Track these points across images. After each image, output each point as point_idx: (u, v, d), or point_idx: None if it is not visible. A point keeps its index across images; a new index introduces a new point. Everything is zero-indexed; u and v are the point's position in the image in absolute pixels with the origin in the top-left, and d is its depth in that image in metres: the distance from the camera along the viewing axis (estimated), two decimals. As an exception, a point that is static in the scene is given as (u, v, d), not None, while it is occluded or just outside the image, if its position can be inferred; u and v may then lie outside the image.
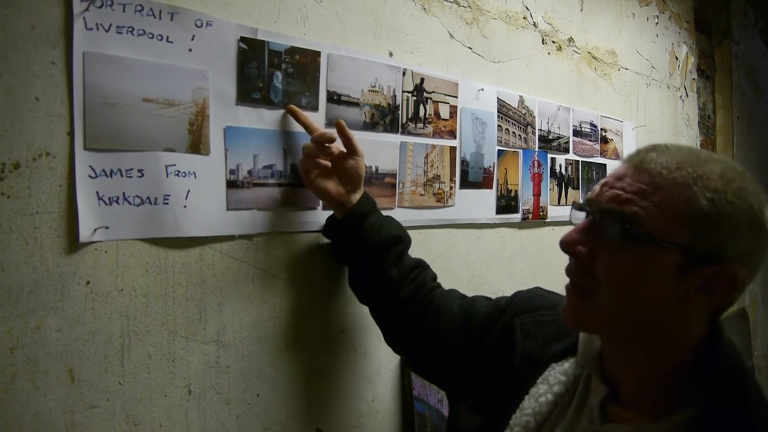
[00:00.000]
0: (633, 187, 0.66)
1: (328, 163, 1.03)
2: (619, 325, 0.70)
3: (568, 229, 0.75)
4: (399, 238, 1.06)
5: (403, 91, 1.25)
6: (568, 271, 0.73)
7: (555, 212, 1.73)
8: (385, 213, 1.21)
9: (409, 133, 1.27)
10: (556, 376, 0.78)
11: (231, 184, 0.98)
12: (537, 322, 0.87)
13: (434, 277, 1.09)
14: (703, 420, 0.65)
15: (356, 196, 1.05)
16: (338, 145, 1.04)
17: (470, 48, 1.45)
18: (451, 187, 1.38)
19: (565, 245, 0.71)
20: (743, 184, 0.65)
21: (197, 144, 0.93)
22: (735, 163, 0.69)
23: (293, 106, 1.03)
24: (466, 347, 0.94)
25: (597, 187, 0.71)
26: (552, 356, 0.81)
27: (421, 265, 1.08)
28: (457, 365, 0.94)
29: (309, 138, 1.03)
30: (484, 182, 1.48)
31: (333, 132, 1.02)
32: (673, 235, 0.64)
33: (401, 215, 1.19)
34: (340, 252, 1.10)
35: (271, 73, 1.02)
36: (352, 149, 1.04)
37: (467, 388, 0.91)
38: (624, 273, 0.66)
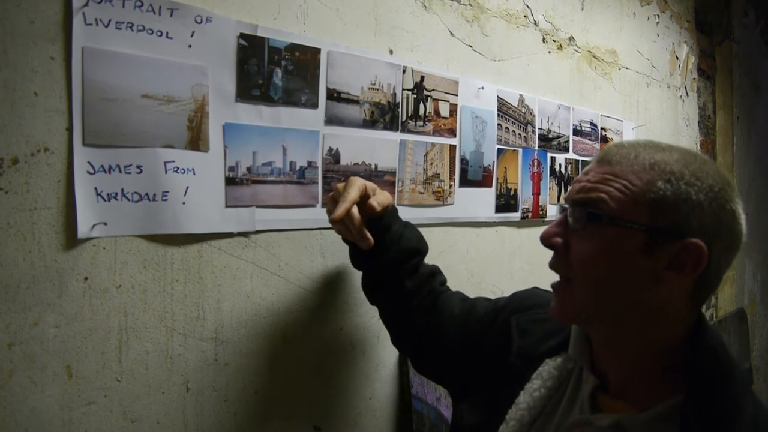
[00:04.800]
0: (596, 177, 0.71)
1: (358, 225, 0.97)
2: (597, 309, 0.72)
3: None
4: (417, 250, 1.05)
5: (403, 89, 1.24)
6: (550, 264, 0.76)
7: (554, 211, 1.73)
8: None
9: (409, 131, 1.26)
10: (549, 371, 0.80)
11: (230, 181, 0.97)
12: (533, 320, 0.89)
13: (443, 281, 1.09)
14: (684, 410, 0.67)
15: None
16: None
17: (470, 46, 1.44)
18: (450, 186, 1.38)
19: (543, 239, 0.75)
20: (703, 167, 0.68)
21: (196, 140, 0.93)
22: (699, 153, 0.72)
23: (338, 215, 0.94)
24: (466, 347, 0.95)
25: (570, 187, 0.76)
26: (546, 352, 0.83)
27: (434, 273, 1.08)
28: (458, 365, 0.95)
29: (307, 133, 1.03)
30: (484, 181, 1.48)
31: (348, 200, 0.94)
32: (635, 215, 0.67)
33: (400, 213, 1.18)
34: (356, 257, 1.07)
35: (271, 70, 1.01)
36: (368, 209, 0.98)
37: (468, 386, 0.92)
38: (592, 255, 0.70)
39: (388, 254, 1.02)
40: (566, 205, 0.74)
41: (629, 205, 0.67)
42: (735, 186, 0.70)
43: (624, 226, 0.67)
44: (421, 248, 1.07)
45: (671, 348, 0.71)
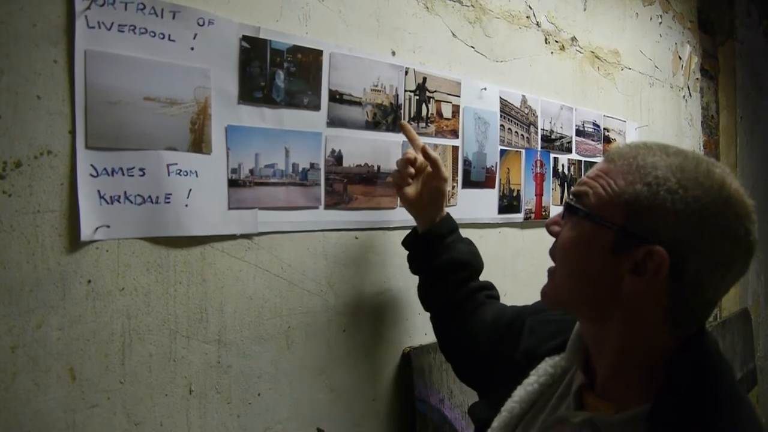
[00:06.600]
0: (594, 173, 0.73)
1: (409, 181, 1.10)
2: (571, 298, 0.74)
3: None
4: (466, 263, 1.11)
5: (405, 91, 1.24)
6: (549, 250, 0.79)
7: (557, 212, 1.72)
8: (388, 212, 1.22)
9: (412, 133, 1.26)
10: (545, 368, 0.83)
11: (232, 183, 0.97)
12: (543, 321, 0.92)
13: (490, 295, 1.13)
14: (651, 416, 0.67)
15: (440, 216, 1.12)
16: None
17: (473, 47, 1.44)
18: (453, 187, 1.38)
19: (546, 226, 0.79)
20: (698, 177, 0.66)
21: (199, 143, 0.93)
22: (710, 162, 0.68)
23: (405, 123, 1.17)
24: (493, 350, 0.99)
25: None
26: (548, 351, 0.85)
27: (481, 289, 1.11)
28: (488, 368, 0.99)
29: (310, 135, 1.05)
30: (487, 182, 1.48)
31: (415, 152, 1.10)
32: (610, 214, 0.68)
33: (403, 215, 1.18)
34: (412, 262, 1.15)
35: (273, 72, 1.01)
36: (436, 172, 1.10)
37: (491, 386, 0.96)
38: (568, 245, 0.73)
39: (437, 261, 1.08)
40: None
41: (607, 203, 0.69)
42: (741, 204, 0.67)
43: (597, 223, 0.69)
44: (472, 263, 1.12)
45: (656, 355, 0.71)
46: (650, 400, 0.69)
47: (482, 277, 1.14)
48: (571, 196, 0.74)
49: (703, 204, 0.65)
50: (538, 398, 0.81)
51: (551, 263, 0.78)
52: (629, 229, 0.67)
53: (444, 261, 1.09)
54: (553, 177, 1.72)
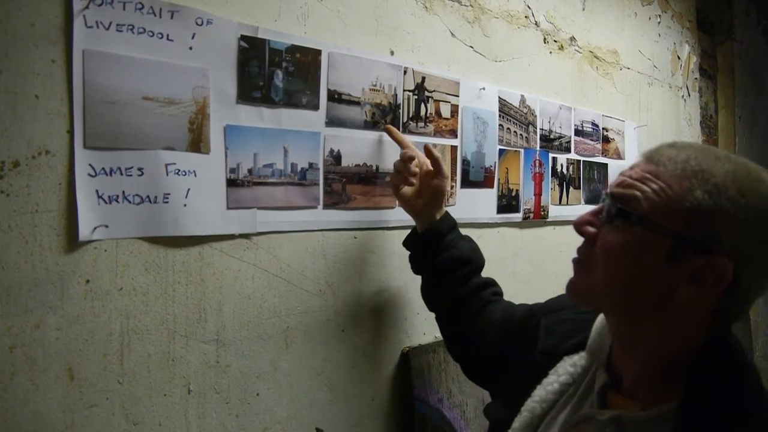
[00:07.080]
0: (638, 174, 0.69)
1: (412, 180, 1.11)
2: (610, 302, 0.73)
3: (570, 228, 0.77)
4: (468, 260, 1.11)
5: (404, 90, 1.24)
6: (577, 249, 0.76)
7: (556, 212, 1.73)
8: (386, 212, 1.21)
9: (410, 132, 1.26)
10: (565, 367, 0.82)
11: (231, 183, 0.97)
12: (559, 321, 0.91)
13: (496, 292, 1.13)
14: (680, 412, 0.66)
15: (439, 214, 1.12)
16: (428, 165, 1.12)
17: (472, 47, 1.44)
18: (452, 187, 1.37)
19: (576, 225, 0.75)
20: (753, 184, 0.65)
21: (197, 143, 0.93)
22: (755, 167, 0.68)
23: (390, 126, 1.17)
24: (503, 350, 0.99)
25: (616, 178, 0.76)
26: (566, 350, 0.84)
27: (487, 285, 1.12)
28: (498, 368, 0.99)
29: (308, 135, 1.05)
30: (485, 182, 1.48)
31: (412, 151, 1.12)
32: (667, 221, 0.65)
33: (401, 215, 1.18)
34: (414, 262, 1.16)
35: (272, 71, 1.01)
36: (437, 170, 1.11)
37: (505, 386, 0.96)
38: (616, 250, 0.69)
39: (440, 259, 1.09)
40: (606, 196, 0.74)
41: (662, 209, 0.66)
42: None
43: (651, 229, 0.66)
44: (474, 259, 1.12)
45: (687, 355, 0.70)
46: (677, 398, 0.68)
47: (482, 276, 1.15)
48: (613, 199, 0.71)
49: (761, 212, 0.64)
50: (558, 398, 0.80)
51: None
52: (689, 237, 0.65)
53: (446, 259, 1.09)
54: (551, 177, 1.72)
